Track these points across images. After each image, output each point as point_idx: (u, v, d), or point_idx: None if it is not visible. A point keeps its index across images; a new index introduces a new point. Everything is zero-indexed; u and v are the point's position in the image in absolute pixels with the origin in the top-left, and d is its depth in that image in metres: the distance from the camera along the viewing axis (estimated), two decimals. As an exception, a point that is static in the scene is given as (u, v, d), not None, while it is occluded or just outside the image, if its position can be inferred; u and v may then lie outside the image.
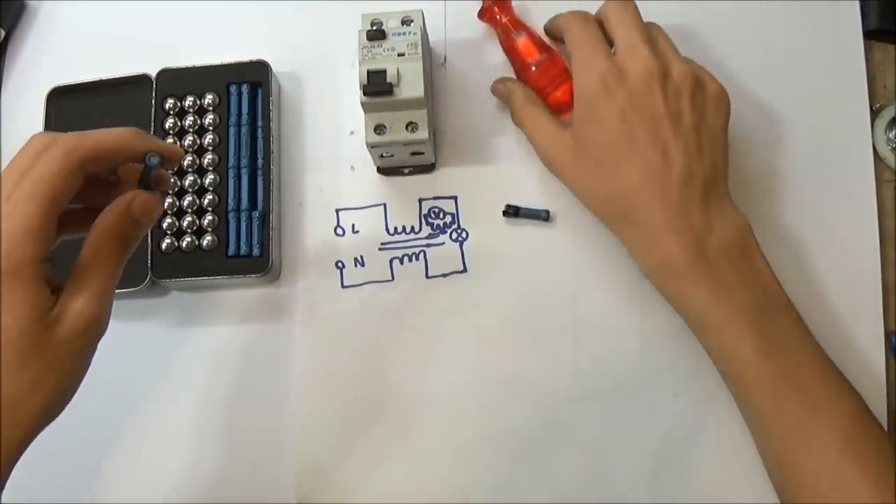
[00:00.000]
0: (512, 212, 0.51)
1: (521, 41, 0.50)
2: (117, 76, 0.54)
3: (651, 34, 0.45)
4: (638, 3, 0.46)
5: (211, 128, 0.52)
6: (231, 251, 0.50)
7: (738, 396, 0.44)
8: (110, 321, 0.36)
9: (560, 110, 0.49)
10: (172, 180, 0.51)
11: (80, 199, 0.37)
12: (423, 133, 0.47)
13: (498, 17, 0.51)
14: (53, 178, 0.34)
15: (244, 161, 0.51)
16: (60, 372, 0.34)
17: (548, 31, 0.51)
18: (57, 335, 0.34)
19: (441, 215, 0.52)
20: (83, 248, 0.36)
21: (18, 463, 0.34)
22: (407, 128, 0.48)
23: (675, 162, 0.43)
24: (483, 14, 0.52)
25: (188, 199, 0.51)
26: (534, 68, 0.49)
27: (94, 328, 0.35)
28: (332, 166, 0.53)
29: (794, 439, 0.40)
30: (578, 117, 0.45)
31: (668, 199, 0.43)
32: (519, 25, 0.51)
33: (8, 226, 0.33)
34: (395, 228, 0.52)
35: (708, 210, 0.43)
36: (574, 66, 0.46)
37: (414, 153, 0.50)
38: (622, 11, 0.45)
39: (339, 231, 0.52)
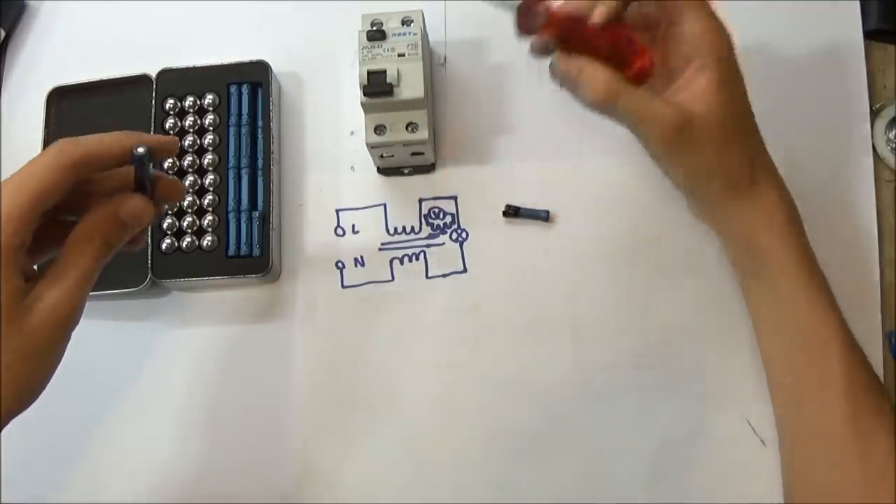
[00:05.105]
0: (512, 212, 0.51)
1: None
2: (117, 76, 0.54)
3: None
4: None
5: (211, 128, 0.52)
6: (231, 251, 0.50)
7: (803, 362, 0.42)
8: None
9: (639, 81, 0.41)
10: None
11: (72, 210, 0.37)
12: (423, 133, 0.47)
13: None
14: (42, 172, 0.34)
15: (244, 161, 0.52)
16: (30, 361, 0.34)
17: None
18: (27, 324, 0.34)
19: (441, 215, 0.52)
20: (66, 242, 0.36)
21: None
22: (407, 128, 0.48)
23: None
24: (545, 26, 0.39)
25: (188, 199, 0.51)
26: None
27: (65, 321, 0.35)
28: (332, 166, 0.53)
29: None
30: (723, 80, 0.40)
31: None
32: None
33: None
34: (395, 228, 0.52)
35: None
36: (712, 26, 0.41)
37: (414, 153, 0.50)
38: None
39: (340, 231, 0.52)
